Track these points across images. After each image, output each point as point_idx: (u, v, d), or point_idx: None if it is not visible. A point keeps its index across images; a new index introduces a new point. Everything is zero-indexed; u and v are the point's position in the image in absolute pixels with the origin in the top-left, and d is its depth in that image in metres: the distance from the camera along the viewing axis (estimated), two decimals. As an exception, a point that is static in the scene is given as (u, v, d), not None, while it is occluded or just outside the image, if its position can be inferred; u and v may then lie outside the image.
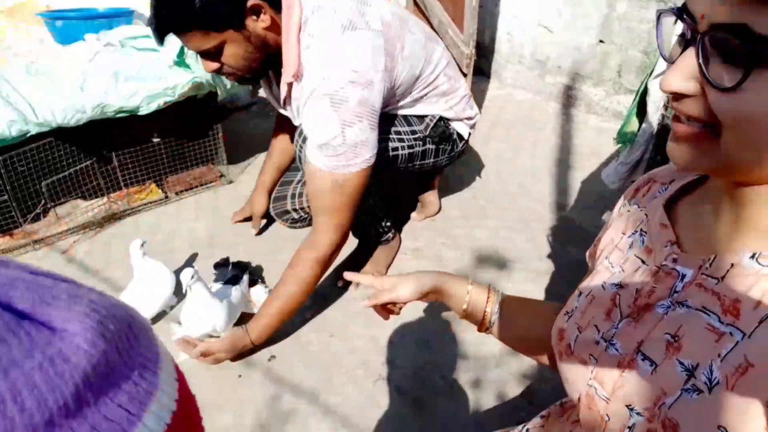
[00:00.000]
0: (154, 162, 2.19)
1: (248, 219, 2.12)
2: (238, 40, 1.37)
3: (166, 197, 2.28)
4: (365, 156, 1.45)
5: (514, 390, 1.46)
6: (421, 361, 1.55)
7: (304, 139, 1.56)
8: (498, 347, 1.56)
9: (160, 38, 1.36)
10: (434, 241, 2.06)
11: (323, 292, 1.78)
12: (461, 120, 1.86)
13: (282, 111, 1.72)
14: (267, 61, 1.46)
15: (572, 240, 2.06)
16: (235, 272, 1.73)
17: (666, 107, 1.33)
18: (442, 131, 1.79)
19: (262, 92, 2.07)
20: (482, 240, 2.06)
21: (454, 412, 1.41)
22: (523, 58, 3.19)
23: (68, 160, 1.97)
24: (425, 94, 1.71)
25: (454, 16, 2.61)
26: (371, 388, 1.47)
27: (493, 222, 2.17)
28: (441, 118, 1.78)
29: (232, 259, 1.79)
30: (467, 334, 1.62)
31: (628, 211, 0.69)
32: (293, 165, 2.07)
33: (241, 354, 1.54)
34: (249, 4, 1.33)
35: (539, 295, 1.79)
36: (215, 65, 1.42)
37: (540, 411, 1.38)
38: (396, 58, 1.53)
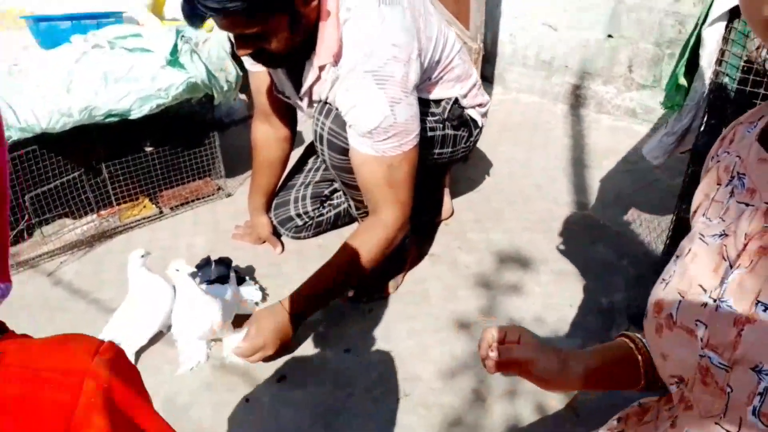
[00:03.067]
0: (147, 174, 2.05)
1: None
2: (285, 24, 1.25)
3: (161, 213, 2.13)
4: (416, 131, 1.40)
5: (555, 401, 1.31)
6: (449, 373, 1.40)
7: (330, 117, 1.45)
8: (532, 355, 1.41)
9: (201, 21, 1.22)
10: (450, 246, 1.92)
11: (334, 304, 1.63)
12: (474, 107, 1.75)
13: (287, 99, 1.59)
14: (304, 43, 1.34)
15: (597, 239, 1.92)
16: (219, 270, 1.57)
17: (720, 62, 1.17)
18: (459, 114, 1.68)
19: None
20: (500, 243, 1.92)
21: (490, 428, 1.26)
22: (528, 60, 3.09)
23: (54, 171, 1.82)
24: (441, 78, 1.60)
25: (457, 13, 2.51)
26: (394, 408, 1.32)
27: (511, 224, 2.03)
28: (456, 101, 1.66)
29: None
30: (496, 342, 1.47)
31: (718, 162, 0.61)
32: (294, 167, 1.95)
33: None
34: None
35: (570, 295, 1.64)
36: (250, 50, 1.29)
37: (588, 423, 1.23)
38: (421, 40, 1.43)
